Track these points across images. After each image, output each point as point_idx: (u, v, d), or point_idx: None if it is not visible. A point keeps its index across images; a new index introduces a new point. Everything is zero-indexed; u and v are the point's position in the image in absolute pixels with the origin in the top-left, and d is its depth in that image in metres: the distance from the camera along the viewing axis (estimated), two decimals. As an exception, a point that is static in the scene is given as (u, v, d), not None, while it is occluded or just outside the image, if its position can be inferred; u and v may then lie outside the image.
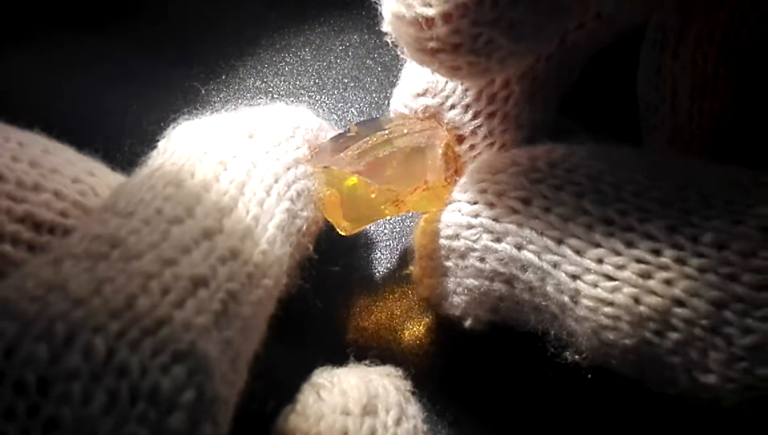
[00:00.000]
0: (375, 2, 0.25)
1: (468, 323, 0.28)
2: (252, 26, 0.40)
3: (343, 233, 0.29)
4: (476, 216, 0.26)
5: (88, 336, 0.18)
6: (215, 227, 0.22)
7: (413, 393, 0.26)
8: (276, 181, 0.25)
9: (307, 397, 0.24)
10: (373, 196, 0.28)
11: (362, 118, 0.38)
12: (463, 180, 0.27)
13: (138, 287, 0.19)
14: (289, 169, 0.26)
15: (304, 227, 0.26)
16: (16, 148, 0.22)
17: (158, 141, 0.26)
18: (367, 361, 0.27)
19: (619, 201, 0.24)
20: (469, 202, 0.27)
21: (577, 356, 0.25)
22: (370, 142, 0.28)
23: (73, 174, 0.23)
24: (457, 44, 0.22)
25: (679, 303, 0.23)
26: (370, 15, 0.41)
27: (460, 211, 0.27)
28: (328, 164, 0.28)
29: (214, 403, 0.19)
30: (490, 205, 0.26)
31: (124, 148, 0.36)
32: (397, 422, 0.24)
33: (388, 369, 0.26)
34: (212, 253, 0.21)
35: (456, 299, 0.28)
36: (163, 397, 0.18)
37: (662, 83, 0.28)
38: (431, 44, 0.23)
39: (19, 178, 0.22)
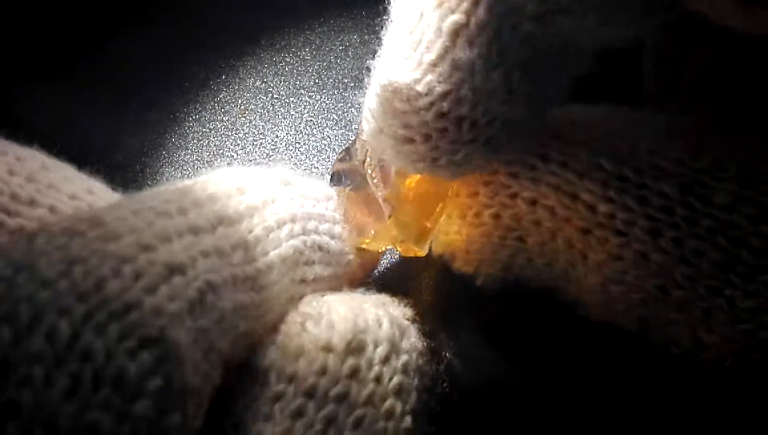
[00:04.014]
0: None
1: (480, 280, 0.28)
2: (252, 26, 0.40)
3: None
4: (494, 173, 0.26)
5: (53, 318, 0.17)
6: (205, 227, 0.21)
7: (413, 321, 0.24)
8: (292, 221, 0.24)
9: (290, 327, 0.22)
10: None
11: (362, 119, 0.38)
12: None
13: (110, 270, 0.18)
14: (311, 219, 0.24)
15: (311, 278, 0.24)
16: (13, 162, 0.22)
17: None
18: (363, 289, 0.25)
19: (634, 158, 0.24)
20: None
21: (584, 311, 0.26)
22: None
23: (70, 191, 0.23)
24: (436, 158, 0.23)
25: (686, 262, 0.23)
26: (370, 15, 0.41)
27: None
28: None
29: (183, 392, 0.18)
30: (507, 163, 0.26)
31: (124, 148, 0.36)
32: (385, 360, 0.22)
33: (385, 298, 0.24)
34: (195, 246, 0.20)
35: (469, 257, 0.28)
36: (129, 383, 0.17)
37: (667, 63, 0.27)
38: (411, 156, 0.23)
39: (13, 192, 0.22)
